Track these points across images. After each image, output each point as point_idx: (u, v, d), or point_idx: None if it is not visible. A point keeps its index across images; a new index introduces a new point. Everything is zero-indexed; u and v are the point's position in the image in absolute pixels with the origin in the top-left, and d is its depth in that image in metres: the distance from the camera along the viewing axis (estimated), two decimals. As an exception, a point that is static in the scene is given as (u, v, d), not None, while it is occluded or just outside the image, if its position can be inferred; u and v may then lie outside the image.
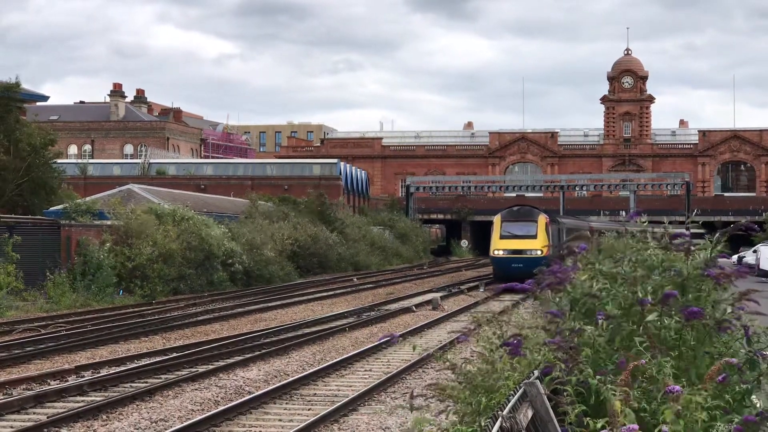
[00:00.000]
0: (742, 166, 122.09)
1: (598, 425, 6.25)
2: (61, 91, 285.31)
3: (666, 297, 7.49)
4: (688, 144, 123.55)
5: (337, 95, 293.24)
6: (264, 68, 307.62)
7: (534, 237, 49.60)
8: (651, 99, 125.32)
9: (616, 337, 7.58)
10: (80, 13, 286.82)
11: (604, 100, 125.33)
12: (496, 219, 52.26)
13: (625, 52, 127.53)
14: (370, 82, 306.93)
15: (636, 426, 5.44)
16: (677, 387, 6.19)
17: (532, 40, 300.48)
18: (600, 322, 7.63)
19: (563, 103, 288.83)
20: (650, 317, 7.40)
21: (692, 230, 10.81)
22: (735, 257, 61.49)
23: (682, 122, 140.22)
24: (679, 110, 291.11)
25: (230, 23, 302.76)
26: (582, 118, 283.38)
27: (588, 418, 6.51)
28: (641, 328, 7.45)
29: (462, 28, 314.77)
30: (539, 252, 47.63)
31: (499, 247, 50.61)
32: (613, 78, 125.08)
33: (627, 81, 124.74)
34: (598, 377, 6.84)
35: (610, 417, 6.19)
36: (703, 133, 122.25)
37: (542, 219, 50.82)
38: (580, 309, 8.19)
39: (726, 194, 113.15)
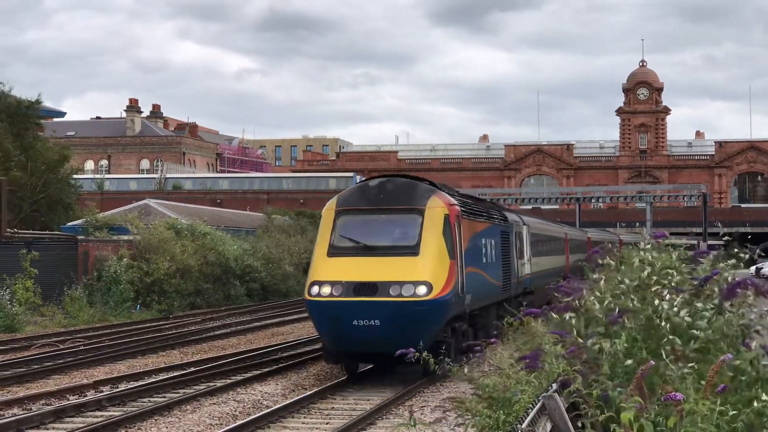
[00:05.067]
0: (759, 177, 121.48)
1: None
2: (82, 107, 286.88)
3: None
4: (704, 155, 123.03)
5: (356, 109, 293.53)
6: (283, 83, 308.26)
7: (412, 251, 19.66)
8: (666, 110, 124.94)
9: (634, 349, 7.58)
10: (101, 29, 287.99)
11: (619, 111, 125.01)
12: (328, 208, 20.92)
13: (641, 64, 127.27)
14: (387, 95, 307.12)
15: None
16: (679, 395, 6.17)
17: (549, 53, 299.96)
18: (617, 334, 7.62)
19: (579, 115, 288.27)
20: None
21: (710, 242, 10.79)
22: (753, 269, 61.20)
23: (698, 133, 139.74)
24: (695, 122, 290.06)
25: (250, 38, 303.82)
26: (598, 130, 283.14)
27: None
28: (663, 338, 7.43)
29: (482, 42, 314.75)
30: (425, 288, 19.15)
31: (324, 276, 19.79)
32: (629, 90, 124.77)
33: (642, 93, 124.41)
34: (618, 390, 6.83)
35: (623, 428, 6.18)
36: (720, 144, 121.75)
37: (437, 209, 20.18)
38: (595, 327, 8.18)
39: (743, 205, 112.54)
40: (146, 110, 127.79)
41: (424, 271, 19.15)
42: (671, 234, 9.54)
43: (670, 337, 7.38)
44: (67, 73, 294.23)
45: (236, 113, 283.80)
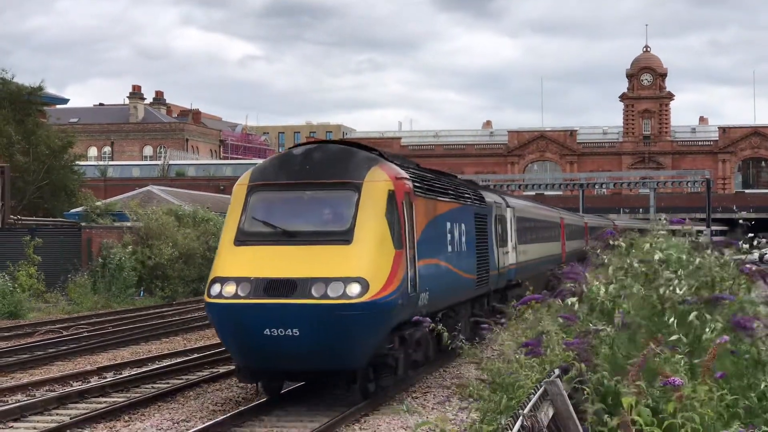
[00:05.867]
0: (763, 162, 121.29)
1: (613, 422, 6.24)
2: (85, 94, 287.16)
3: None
4: (708, 141, 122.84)
5: (359, 95, 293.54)
6: (286, 69, 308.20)
7: (343, 238, 15.15)
8: (670, 96, 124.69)
9: (635, 336, 7.58)
10: (105, 16, 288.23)
11: (623, 97, 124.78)
12: (240, 183, 16.37)
13: (644, 50, 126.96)
14: (391, 82, 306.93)
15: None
16: (678, 379, 6.17)
17: (553, 39, 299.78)
18: (616, 321, 7.62)
19: (582, 101, 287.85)
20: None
21: (714, 228, 10.81)
22: (757, 255, 61.09)
23: (702, 119, 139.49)
24: (699, 107, 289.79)
25: (254, 24, 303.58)
26: (601, 116, 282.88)
27: (607, 416, 6.50)
28: (666, 324, 7.44)
29: (486, 28, 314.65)
30: (359, 287, 14.64)
31: (228, 271, 15.29)
32: (632, 75, 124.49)
33: (646, 78, 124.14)
34: (616, 378, 6.83)
35: (622, 415, 6.18)
36: (723, 130, 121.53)
37: (379, 183, 15.64)
38: (600, 310, 8.18)
39: (747, 191, 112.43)
40: (149, 97, 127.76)
41: (359, 264, 14.77)
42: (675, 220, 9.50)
43: (671, 320, 7.38)
44: (70, 60, 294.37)
45: (239, 100, 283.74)
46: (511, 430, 5.65)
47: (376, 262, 14.97)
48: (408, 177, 16.74)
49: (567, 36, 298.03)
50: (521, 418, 5.81)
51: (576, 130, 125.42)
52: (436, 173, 21.14)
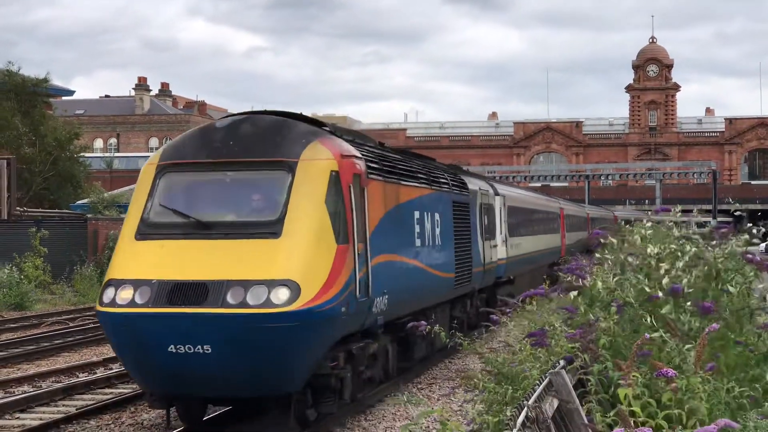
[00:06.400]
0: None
1: (611, 414, 6.26)
2: (91, 86, 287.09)
3: (674, 291, 7.49)
4: (714, 132, 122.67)
5: (365, 87, 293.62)
6: (292, 61, 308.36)
7: (269, 231, 12.08)
8: (676, 87, 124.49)
9: (635, 327, 7.59)
10: (110, 7, 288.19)
11: (629, 89, 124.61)
12: (149, 163, 13.32)
13: (650, 41, 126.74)
14: (397, 73, 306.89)
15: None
16: (671, 371, 6.16)
17: (559, 30, 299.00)
18: (612, 309, 7.64)
19: (588, 92, 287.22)
20: (664, 309, 7.40)
21: (720, 219, 10.82)
22: (762, 246, 61.02)
23: (708, 110, 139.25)
24: (706, 98, 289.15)
25: (260, 16, 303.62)
26: (607, 108, 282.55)
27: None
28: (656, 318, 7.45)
29: (492, 19, 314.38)
30: (287, 292, 11.56)
31: (125, 272, 12.20)
32: (638, 67, 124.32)
33: (652, 69, 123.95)
34: (611, 370, 6.84)
35: (620, 409, 6.19)
36: (730, 121, 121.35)
37: (319, 162, 12.70)
38: (601, 302, 8.21)
39: (753, 182, 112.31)
40: (155, 89, 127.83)
41: (288, 262, 11.79)
42: (681, 211, 9.50)
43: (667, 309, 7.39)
44: (75, 52, 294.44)
45: (245, 91, 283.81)
46: (516, 421, 5.65)
47: (312, 260, 11.91)
48: (359, 155, 13.68)
49: (573, 27, 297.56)
50: (526, 408, 5.81)
51: (582, 122, 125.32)
52: (404, 153, 18.24)
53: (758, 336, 7.43)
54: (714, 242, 8.54)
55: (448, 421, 6.02)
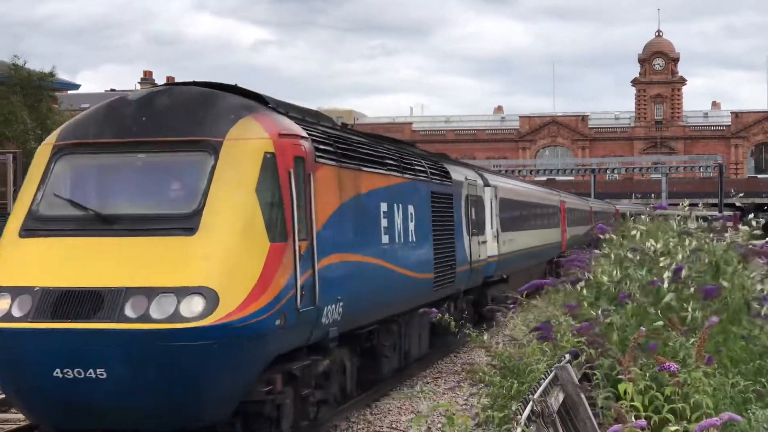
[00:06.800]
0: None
1: (612, 412, 6.27)
2: (97, 80, 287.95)
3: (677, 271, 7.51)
4: (720, 126, 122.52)
5: (371, 81, 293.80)
6: (299, 54, 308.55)
7: (183, 226, 9.72)
8: (682, 81, 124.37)
9: (641, 320, 7.61)
10: (117, 2, 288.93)
11: (635, 82, 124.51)
12: (45, 143, 10.89)
13: (656, 34, 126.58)
14: (403, 67, 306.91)
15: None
16: (673, 365, 6.16)
17: (565, 24, 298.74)
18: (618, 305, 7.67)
19: (594, 86, 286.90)
20: (666, 298, 7.41)
21: (726, 213, 10.84)
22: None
23: (714, 104, 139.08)
24: (712, 92, 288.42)
25: (266, 10, 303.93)
26: (613, 101, 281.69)
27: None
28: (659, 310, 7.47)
29: (497, 12, 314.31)
30: (202, 302, 9.24)
31: (5, 279, 9.72)
32: (644, 60, 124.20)
33: (658, 63, 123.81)
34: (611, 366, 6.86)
35: (614, 406, 6.21)
36: (736, 115, 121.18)
37: (250, 141, 10.25)
38: (607, 296, 8.23)
39: (759, 176, 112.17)
40: (160, 82, 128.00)
41: (204, 265, 9.52)
42: (689, 205, 9.52)
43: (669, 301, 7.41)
44: (82, 46, 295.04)
45: (251, 85, 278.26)
46: (522, 414, 5.67)
47: (235, 262, 9.62)
48: (304, 135, 11.25)
49: (579, 21, 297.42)
50: (531, 402, 5.83)
51: (588, 115, 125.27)
52: (372, 137, 15.95)
53: (760, 328, 7.44)
54: (712, 235, 8.56)
55: (454, 415, 6.03)
